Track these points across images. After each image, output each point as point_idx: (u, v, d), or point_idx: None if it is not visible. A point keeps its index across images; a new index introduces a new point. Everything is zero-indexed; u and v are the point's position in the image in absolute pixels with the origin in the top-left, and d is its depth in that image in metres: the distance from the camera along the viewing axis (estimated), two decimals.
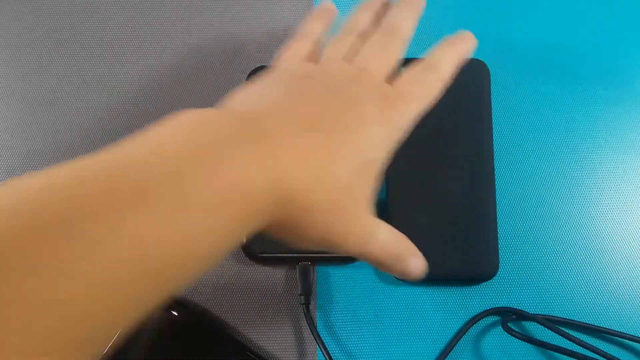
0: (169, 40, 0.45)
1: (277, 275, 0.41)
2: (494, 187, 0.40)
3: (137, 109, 0.43)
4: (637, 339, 0.38)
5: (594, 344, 0.38)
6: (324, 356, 0.37)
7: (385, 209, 0.40)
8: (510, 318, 0.39)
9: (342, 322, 0.40)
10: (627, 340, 0.39)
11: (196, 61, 0.44)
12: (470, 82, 0.42)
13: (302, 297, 0.39)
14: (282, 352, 0.40)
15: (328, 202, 0.26)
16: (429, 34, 0.44)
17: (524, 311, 0.39)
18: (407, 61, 0.43)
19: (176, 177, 0.21)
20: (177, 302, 0.38)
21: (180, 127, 0.24)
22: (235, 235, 0.23)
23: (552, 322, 0.39)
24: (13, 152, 0.43)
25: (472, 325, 0.39)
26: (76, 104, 0.44)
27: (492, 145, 0.41)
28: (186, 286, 0.23)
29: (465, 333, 0.39)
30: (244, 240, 0.39)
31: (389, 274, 0.40)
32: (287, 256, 0.40)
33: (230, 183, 0.22)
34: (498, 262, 0.39)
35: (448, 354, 0.39)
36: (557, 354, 0.38)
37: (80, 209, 0.19)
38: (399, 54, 0.32)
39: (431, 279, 0.40)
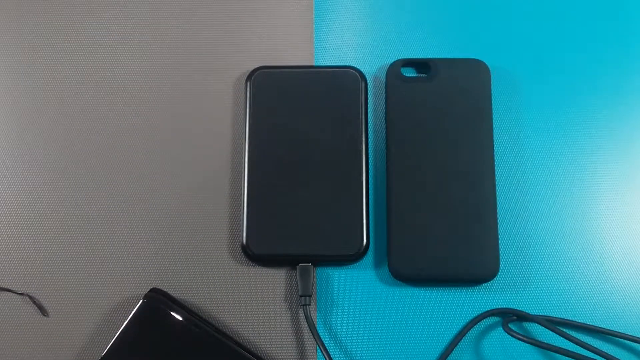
0: (167, 41, 0.45)
1: (277, 276, 0.41)
2: (495, 188, 0.40)
3: (134, 109, 0.43)
4: (638, 339, 0.38)
5: (595, 345, 0.38)
6: (325, 357, 0.37)
7: (386, 210, 0.40)
8: (511, 319, 0.39)
9: (342, 323, 0.40)
10: (628, 341, 0.39)
11: (196, 62, 0.44)
12: (471, 83, 0.42)
13: (302, 298, 0.39)
14: (282, 353, 0.39)
15: None
16: (429, 34, 0.45)
17: (525, 312, 0.39)
18: (407, 62, 0.43)
19: None
20: (175, 302, 0.38)
21: None
22: None
23: (552, 323, 0.39)
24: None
25: (473, 326, 0.39)
26: (77, 104, 0.44)
27: (492, 146, 0.41)
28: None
29: (465, 334, 0.39)
30: (244, 241, 0.39)
31: (389, 275, 0.40)
32: (287, 257, 0.40)
33: None
34: (499, 263, 0.39)
35: (449, 355, 0.39)
36: (557, 354, 0.38)
37: None
38: None
39: (432, 280, 0.40)
